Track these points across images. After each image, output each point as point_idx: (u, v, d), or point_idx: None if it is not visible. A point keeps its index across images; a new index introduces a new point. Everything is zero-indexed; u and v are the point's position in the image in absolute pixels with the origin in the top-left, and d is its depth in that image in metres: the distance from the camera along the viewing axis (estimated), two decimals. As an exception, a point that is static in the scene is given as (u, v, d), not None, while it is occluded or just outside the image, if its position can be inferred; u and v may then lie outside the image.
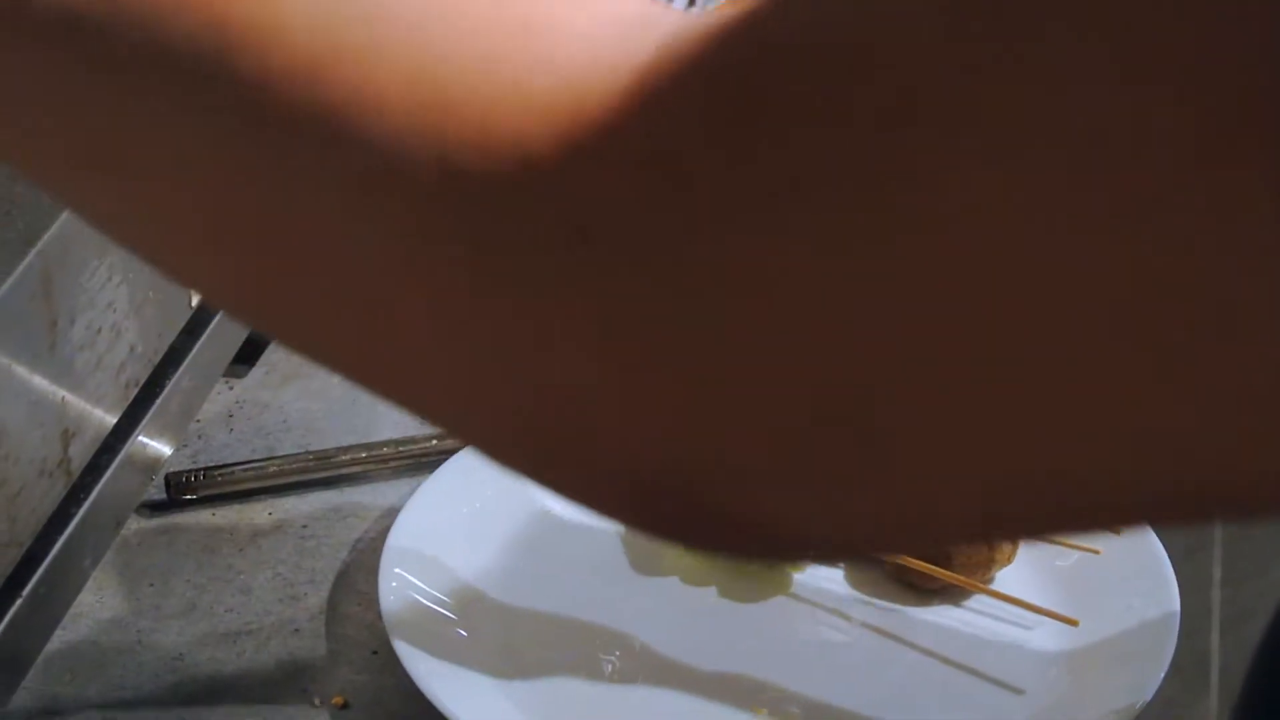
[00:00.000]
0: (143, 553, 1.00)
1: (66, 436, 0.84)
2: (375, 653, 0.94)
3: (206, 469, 1.03)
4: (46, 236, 0.81)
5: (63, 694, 0.91)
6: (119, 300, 0.87)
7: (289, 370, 1.12)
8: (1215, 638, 0.96)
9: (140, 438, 0.93)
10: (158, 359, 0.93)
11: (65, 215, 0.82)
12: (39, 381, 0.82)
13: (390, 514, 1.00)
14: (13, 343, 0.79)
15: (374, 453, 1.05)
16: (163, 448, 0.96)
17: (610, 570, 0.98)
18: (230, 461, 1.04)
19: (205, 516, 1.02)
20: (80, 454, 0.86)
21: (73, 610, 0.93)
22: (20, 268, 0.79)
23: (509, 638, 0.94)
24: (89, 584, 0.94)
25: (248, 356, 1.11)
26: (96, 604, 0.96)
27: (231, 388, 1.10)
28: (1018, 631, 0.95)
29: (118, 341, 0.88)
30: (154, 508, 1.02)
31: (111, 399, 0.88)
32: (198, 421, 1.06)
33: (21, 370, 0.80)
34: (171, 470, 1.02)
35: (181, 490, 1.02)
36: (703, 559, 0.98)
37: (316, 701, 0.92)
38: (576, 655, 0.93)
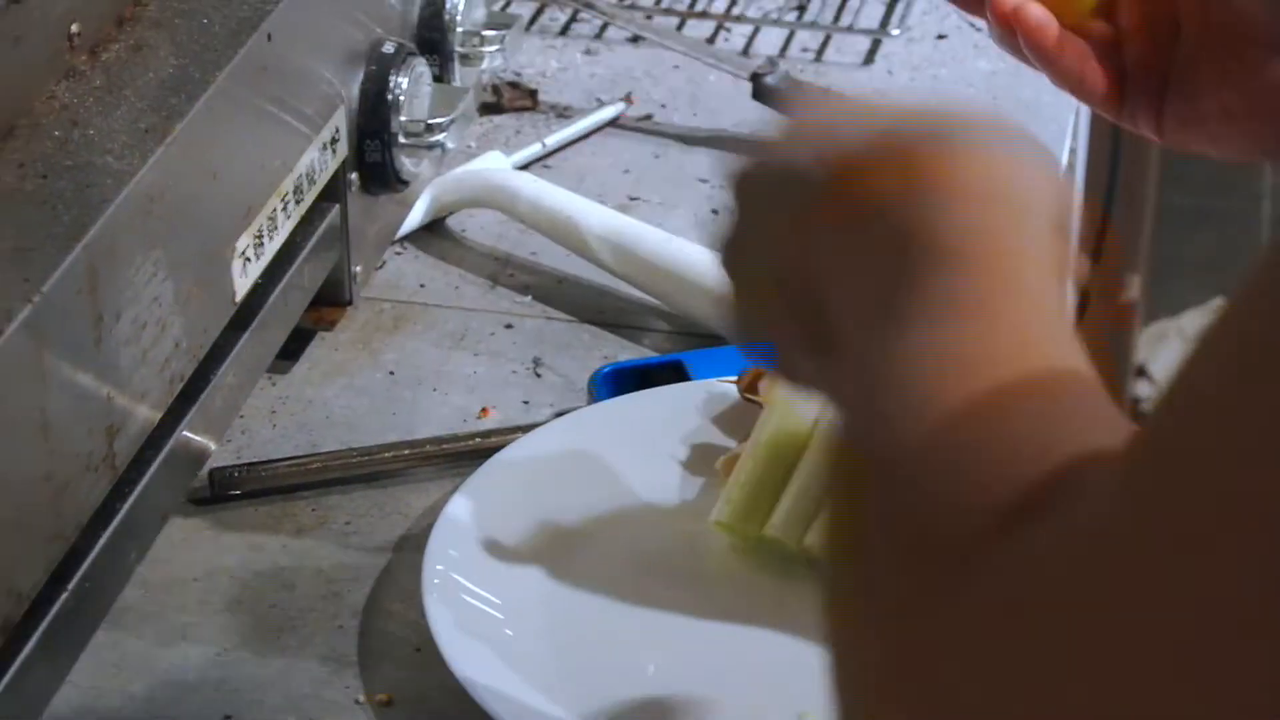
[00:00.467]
0: (187, 548, 1.00)
1: (111, 432, 0.84)
2: (419, 650, 0.93)
3: (250, 465, 1.03)
4: (92, 232, 0.81)
5: (107, 688, 0.91)
6: (164, 296, 0.87)
7: (332, 367, 1.12)
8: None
9: (184, 433, 0.93)
10: (202, 355, 0.93)
11: (111, 210, 0.82)
12: (84, 377, 0.82)
13: (433, 511, 1.00)
14: (58, 338, 0.79)
15: (417, 450, 1.05)
16: (207, 443, 0.96)
17: (657, 570, 0.98)
18: (274, 458, 1.04)
19: (249, 512, 1.02)
20: (125, 449, 0.86)
21: (118, 605, 0.93)
22: (66, 263, 0.79)
23: (553, 636, 0.94)
24: (133, 579, 0.94)
25: (291, 353, 1.11)
26: (141, 598, 0.96)
27: (275, 384, 1.10)
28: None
29: (162, 337, 0.88)
30: (198, 503, 1.02)
31: (156, 394, 0.88)
32: (241, 417, 1.06)
33: (66, 365, 0.80)
34: (215, 466, 1.02)
35: (225, 486, 1.02)
36: (751, 557, 0.98)
37: (360, 698, 0.92)
38: (622, 654, 0.93)
